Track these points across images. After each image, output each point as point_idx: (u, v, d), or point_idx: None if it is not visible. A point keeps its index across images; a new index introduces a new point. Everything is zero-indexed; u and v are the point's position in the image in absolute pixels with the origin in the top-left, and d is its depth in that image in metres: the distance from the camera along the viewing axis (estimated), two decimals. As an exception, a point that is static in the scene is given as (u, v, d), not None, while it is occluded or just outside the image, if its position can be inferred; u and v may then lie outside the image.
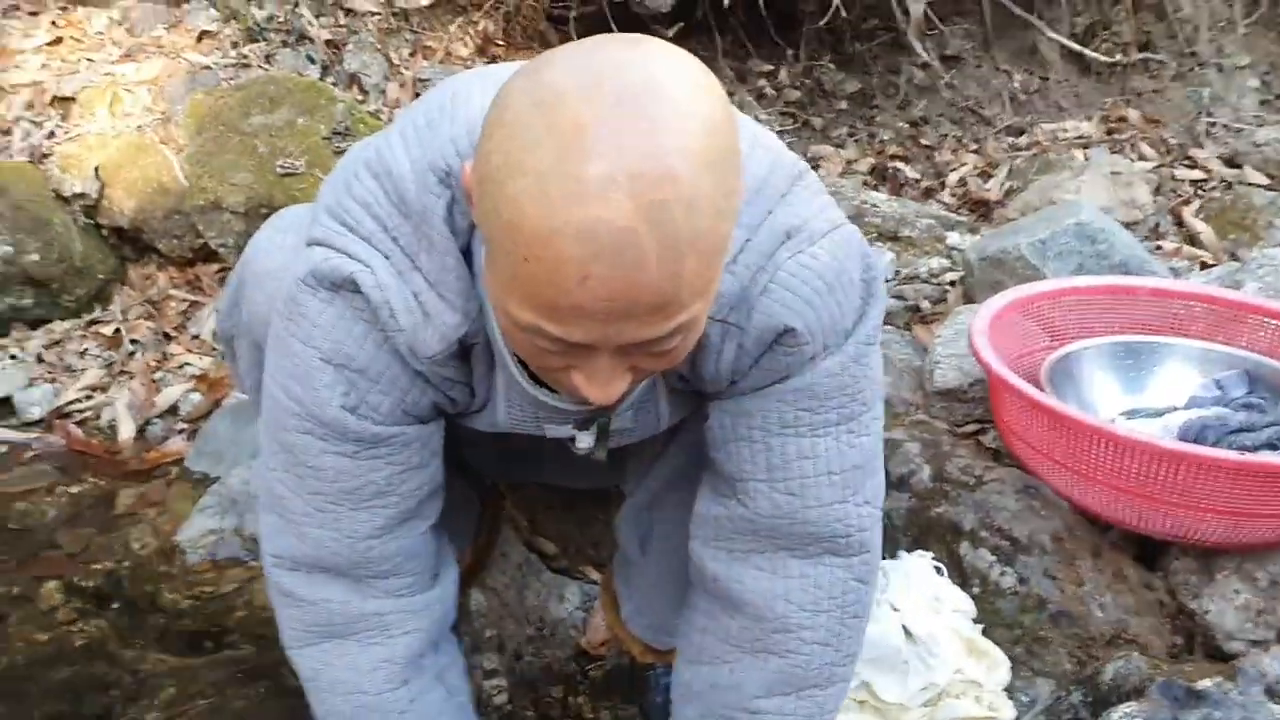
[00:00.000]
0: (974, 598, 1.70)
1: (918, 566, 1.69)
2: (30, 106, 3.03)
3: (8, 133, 2.94)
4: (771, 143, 1.16)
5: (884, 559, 1.72)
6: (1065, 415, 1.72)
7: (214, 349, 2.72)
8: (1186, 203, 3.27)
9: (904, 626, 1.59)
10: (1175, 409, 2.01)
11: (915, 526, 1.82)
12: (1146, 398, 2.08)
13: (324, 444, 1.18)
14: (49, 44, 3.29)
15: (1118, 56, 3.90)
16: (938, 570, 1.70)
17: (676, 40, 3.90)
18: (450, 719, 1.37)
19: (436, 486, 1.30)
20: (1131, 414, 2.03)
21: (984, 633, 1.66)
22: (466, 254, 1.09)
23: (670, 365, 1.02)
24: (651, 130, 0.85)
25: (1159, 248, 2.97)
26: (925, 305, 2.54)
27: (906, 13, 3.66)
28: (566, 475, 1.73)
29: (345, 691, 1.32)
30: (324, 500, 1.22)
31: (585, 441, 1.26)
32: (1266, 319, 2.08)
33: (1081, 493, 1.77)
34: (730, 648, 1.32)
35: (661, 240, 0.85)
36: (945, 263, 2.72)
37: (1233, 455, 1.61)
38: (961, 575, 1.75)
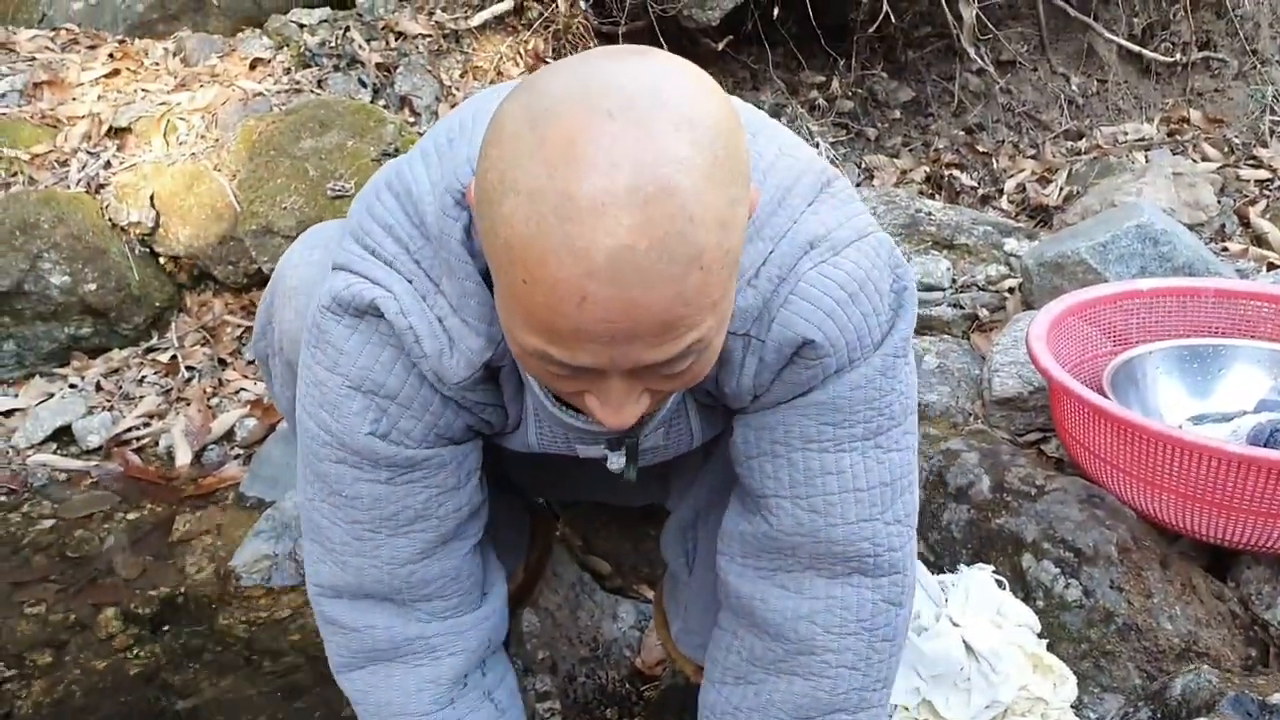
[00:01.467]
0: (1038, 611, 1.64)
1: (979, 580, 1.64)
2: (87, 138, 3.08)
3: (65, 164, 2.98)
4: (800, 151, 1.12)
5: (944, 573, 1.68)
6: (1131, 421, 1.67)
7: (268, 373, 2.74)
8: (1252, 203, 3.19)
9: (965, 642, 1.54)
10: (1244, 413, 1.95)
11: (975, 539, 1.77)
12: (1214, 402, 2.01)
13: (358, 472, 1.17)
14: (106, 76, 3.35)
15: (1177, 56, 3.82)
16: (999, 584, 1.65)
17: (726, 53, 3.89)
18: None
19: (476, 507, 1.28)
20: (1199, 419, 1.97)
21: (1049, 648, 1.61)
22: (487, 275, 1.05)
23: (686, 386, 0.98)
24: (647, 141, 0.81)
25: (1225, 249, 2.90)
26: (983, 313, 2.49)
27: (959, 18, 3.61)
28: (613, 493, 1.71)
29: (392, 714, 1.31)
30: (362, 529, 1.21)
31: (616, 462, 1.23)
32: (1338, 318, 2.01)
33: (1148, 501, 1.71)
34: (755, 668, 1.28)
35: (662, 257, 0.82)
36: (1003, 270, 2.66)
37: (1305, 459, 1.55)
38: (1025, 588, 1.70)
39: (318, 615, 1.32)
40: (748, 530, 1.24)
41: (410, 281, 1.08)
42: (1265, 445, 1.78)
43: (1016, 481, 1.80)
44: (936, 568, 1.76)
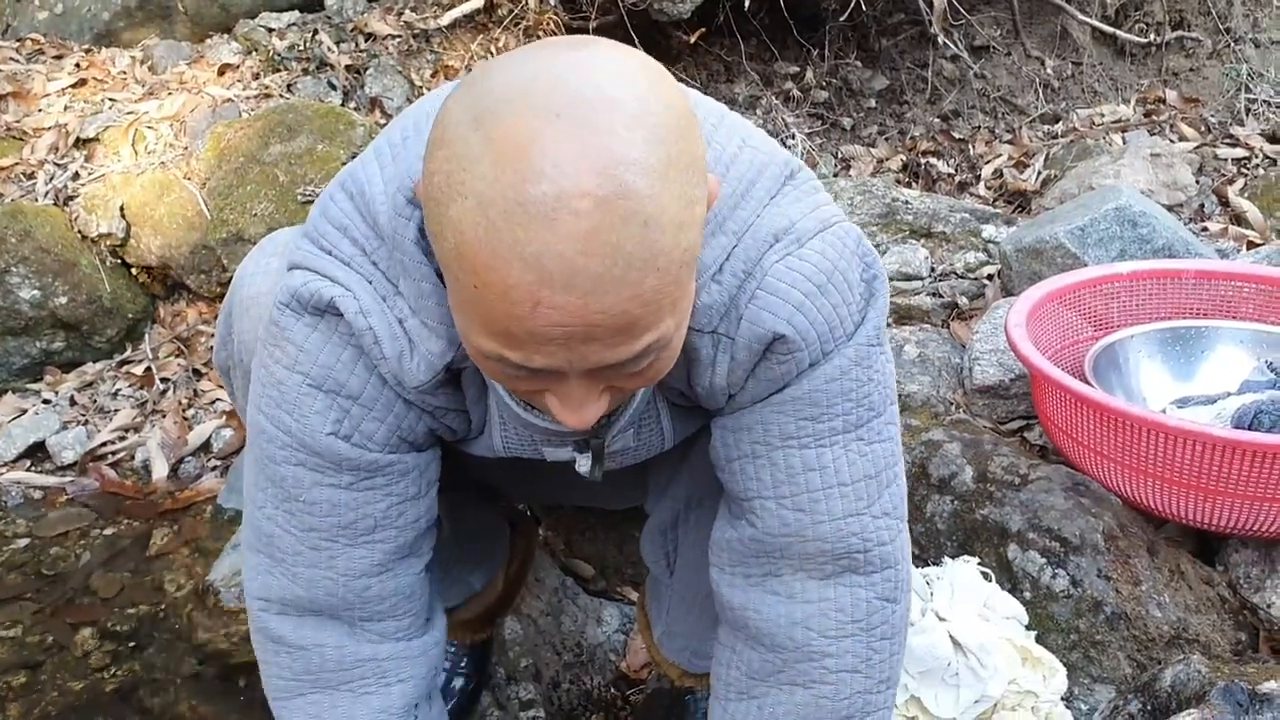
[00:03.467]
0: (1025, 603, 1.62)
1: (964, 573, 1.62)
2: (54, 149, 3.04)
3: (32, 176, 2.95)
4: (761, 143, 1.10)
5: (929, 566, 1.66)
6: (1113, 408, 1.65)
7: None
8: (1230, 181, 3.18)
9: (952, 637, 1.52)
10: (1228, 394, 1.93)
11: (960, 531, 1.75)
12: (1197, 385, 2.00)
13: (318, 475, 1.12)
14: (72, 86, 3.31)
15: (1151, 37, 3.81)
16: (985, 576, 1.63)
17: (699, 45, 3.86)
18: None
19: (433, 520, 1.24)
20: (1183, 402, 1.95)
21: (1038, 639, 1.59)
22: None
23: (648, 384, 0.96)
24: (597, 142, 0.78)
25: (1205, 229, 2.89)
26: (963, 301, 2.47)
27: (931, 4, 3.59)
28: (590, 497, 1.68)
29: None
30: (319, 537, 1.16)
31: (584, 465, 1.19)
32: (1320, 296, 2.00)
33: (1134, 487, 1.69)
34: (755, 682, 1.25)
35: (617, 261, 0.79)
36: (982, 257, 2.64)
37: (1290, 441, 1.54)
38: (1011, 580, 1.68)
39: (258, 634, 1.24)
40: (734, 537, 1.21)
41: (370, 282, 1.05)
42: (1249, 427, 1.77)
43: (1000, 471, 1.78)
44: (921, 561, 1.74)
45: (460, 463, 1.28)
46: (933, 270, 2.62)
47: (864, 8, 3.41)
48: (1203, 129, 3.59)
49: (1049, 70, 3.88)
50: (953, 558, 1.68)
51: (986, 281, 2.53)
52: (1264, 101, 3.72)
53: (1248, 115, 3.67)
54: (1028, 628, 1.60)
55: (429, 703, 1.32)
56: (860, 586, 1.19)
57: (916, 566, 1.63)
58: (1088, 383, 1.81)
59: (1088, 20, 3.79)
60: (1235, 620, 1.65)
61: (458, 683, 1.74)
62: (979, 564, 1.64)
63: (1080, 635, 1.61)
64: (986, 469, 1.79)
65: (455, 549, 1.65)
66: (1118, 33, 3.80)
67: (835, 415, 1.12)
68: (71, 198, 2.91)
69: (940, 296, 2.50)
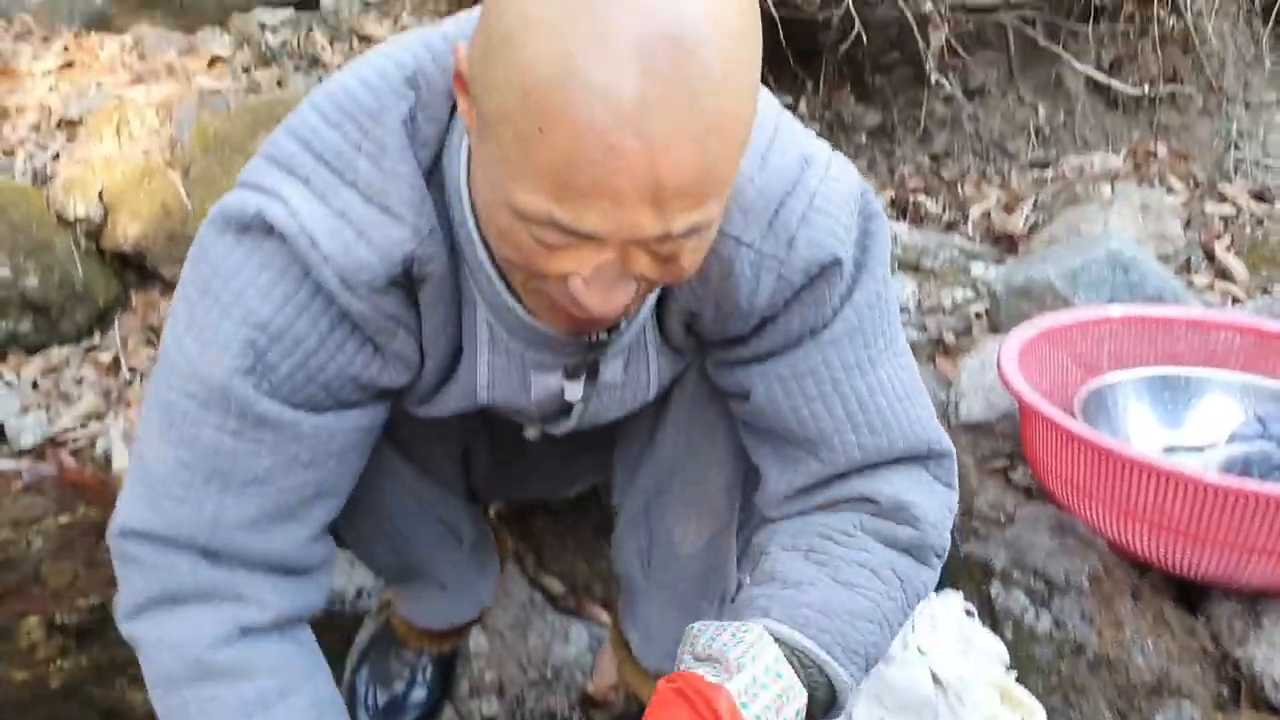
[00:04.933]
0: (1007, 642, 1.59)
1: (947, 608, 1.58)
2: (36, 129, 2.98)
3: (11, 154, 2.89)
4: None
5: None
6: (1104, 447, 1.63)
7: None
8: (1218, 237, 3.19)
9: (932, 672, 1.49)
10: (1216, 444, 1.91)
11: (944, 566, 1.71)
12: (1186, 433, 1.98)
13: (204, 412, 1.04)
14: (60, 67, 3.25)
15: (1145, 90, 3.82)
16: (968, 613, 1.59)
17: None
18: (305, 675, 1.18)
19: (327, 489, 1.14)
20: (1171, 450, 1.93)
21: (1018, 679, 1.55)
22: (428, 171, 0.99)
23: (674, 280, 0.92)
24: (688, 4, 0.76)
25: (1191, 282, 2.88)
26: (949, 337, 2.45)
27: (928, 43, 3.59)
28: (552, 479, 1.65)
29: (176, 645, 1.11)
30: (190, 475, 1.06)
31: (574, 393, 1.16)
32: (1311, 351, 1.98)
33: (1120, 530, 1.67)
34: (835, 527, 1.19)
35: (692, 114, 0.77)
36: (969, 294, 2.63)
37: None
38: (993, 618, 1.64)
39: (116, 556, 1.13)
40: (799, 480, 1.19)
41: (306, 181, 0.98)
42: (1239, 478, 1.75)
43: (986, 508, 1.75)
44: (902, 594, 1.70)
45: (427, 453, 1.22)
46: (920, 304, 2.60)
47: (864, 40, 3.40)
48: (1191, 184, 3.60)
49: (1041, 116, 3.88)
50: (936, 592, 1.64)
51: (974, 318, 2.52)
52: (1252, 161, 3.74)
53: (1236, 173, 3.68)
54: (1008, 667, 1.56)
55: (294, 628, 1.19)
56: (926, 469, 1.21)
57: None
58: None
59: (1083, 69, 3.79)
60: (1217, 672, 1.63)
61: (418, 694, 1.69)
62: (962, 600, 1.61)
63: (1061, 678, 1.58)
64: (972, 505, 1.76)
65: (466, 564, 1.61)
66: (1112, 83, 3.80)
67: (879, 335, 1.14)
68: (50, 178, 2.85)
69: (926, 331, 2.48)
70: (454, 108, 1.00)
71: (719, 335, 1.15)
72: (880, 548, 1.17)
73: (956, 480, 1.25)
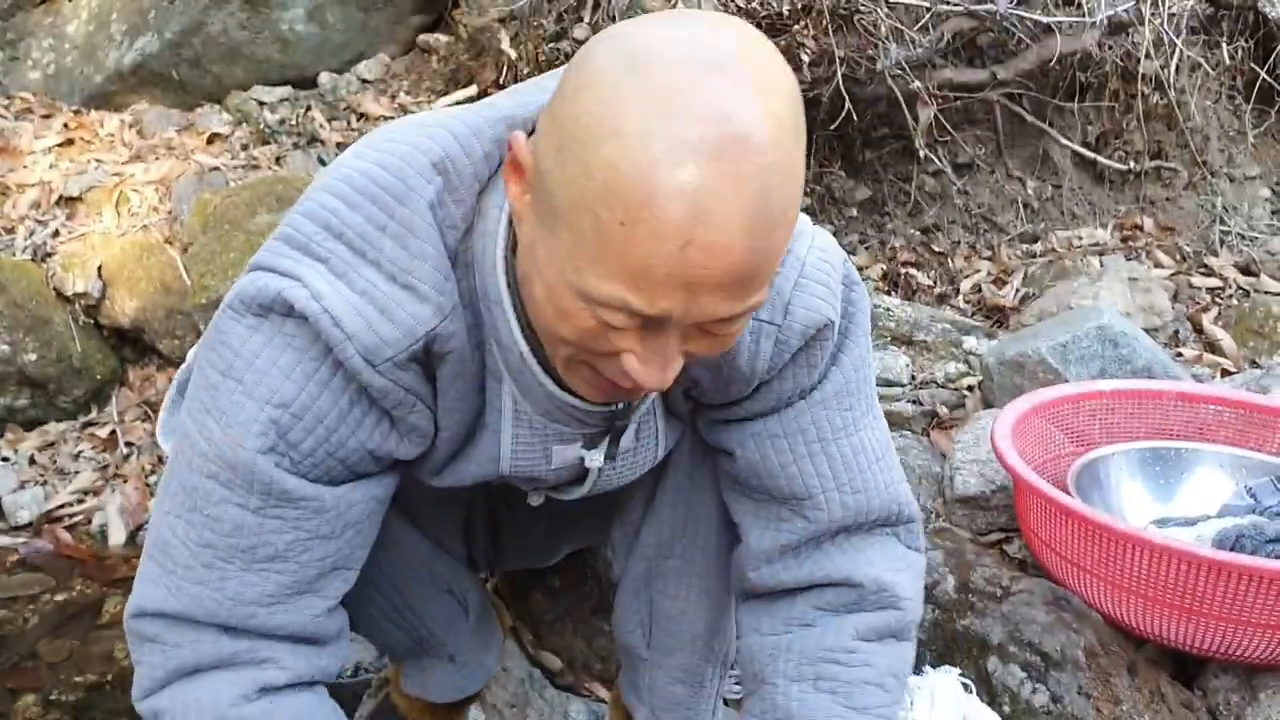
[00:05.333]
0: (1004, 717, 1.59)
1: (944, 684, 1.59)
2: (36, 206, 3.02)
3: (12, 231, 2.92)
4: None
5: (910, 676, 1.63)
6: (1098, 521, 1.64)
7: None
8: (1205, 310, 3.23)
9: (931, 748, 1.49)
10: (1208, 517, 1.93)
11: (940, 640, 1.72)
12: (1177, 506, 1.99)
13: (227, 491, 1.06)
14: (60, 145, 3.30)
15: (1130, 164, 3.89)
16: (965, 688, 1.60)
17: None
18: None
19: (345, 563, 1.16)
20: (1163, 523, 1.94)
21: (1016, 756, 1.56)
22: (453, 254, 1.04)
23: (717, 352, 0.99)
24: (748, 98, 0.83)
25: (1179, 355, 2.92)
26: (943, 410, 2.47)
27: (916, 120, 3.65)
28: (546, 542, 1.68)
29: (199, 707, 1.12)
30: (214, 555, 1.08)
31: (595, 460, 1.20)
32: (1299, 424, 2.01)
33: (1115, 604, 1.68)
34: (822, 612, 1.27)
35: (761, 209, 0.84)
36: (962, 367, 2.65)
37: (1275, 564, 1.53)
38: (990, 693, 1.64)
39: (133, 636, 1.14)
40: (787, 539, 1.26)
41: (325, 261, 1.01)
42: (1231, 551, 1.76)
43: (982, 582, 1.76)
44: (899, 669, 1.71)
45: (435, 524, 1.24)
46: (913, 378, 2.62)
47: (853, 117, 3.46)
48: (1178, 257, 3.65)
49: (1029, 191, 3.94)
50: (934, 667, 1.64)
51: (967, 392, 2.54)
52: (1237, 234, 3.79)
53: (1222, 246, 3.73)
54: (1007, 743, 1.56)
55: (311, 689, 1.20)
56: (898, 538, 1.29)
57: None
58: (1071, 497, 1.80)
59: (1069, 144, 3.86)
60: (1215, 747, 1.63)
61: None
62: (959, 675, 1.61)
63: (1060, 754, 1.58)
64: (968, 579, 1.77)
65: (473, 634, 1.62)
66: (1098, 158, 3.87)
67: (862, 398, 1.23)
68: (50, 255, 2.88)
69: (920, 404, 2.50)
70: (480, 192, 1.04)
71: (719, 400, 1.21)
72: (879, 652, 1.25)
73: (923, 541, 1.32)
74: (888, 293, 3.55)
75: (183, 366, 1.36)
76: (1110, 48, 3.71)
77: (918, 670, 1.66)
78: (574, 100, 0.86)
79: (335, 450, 1.07)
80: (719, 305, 0.88)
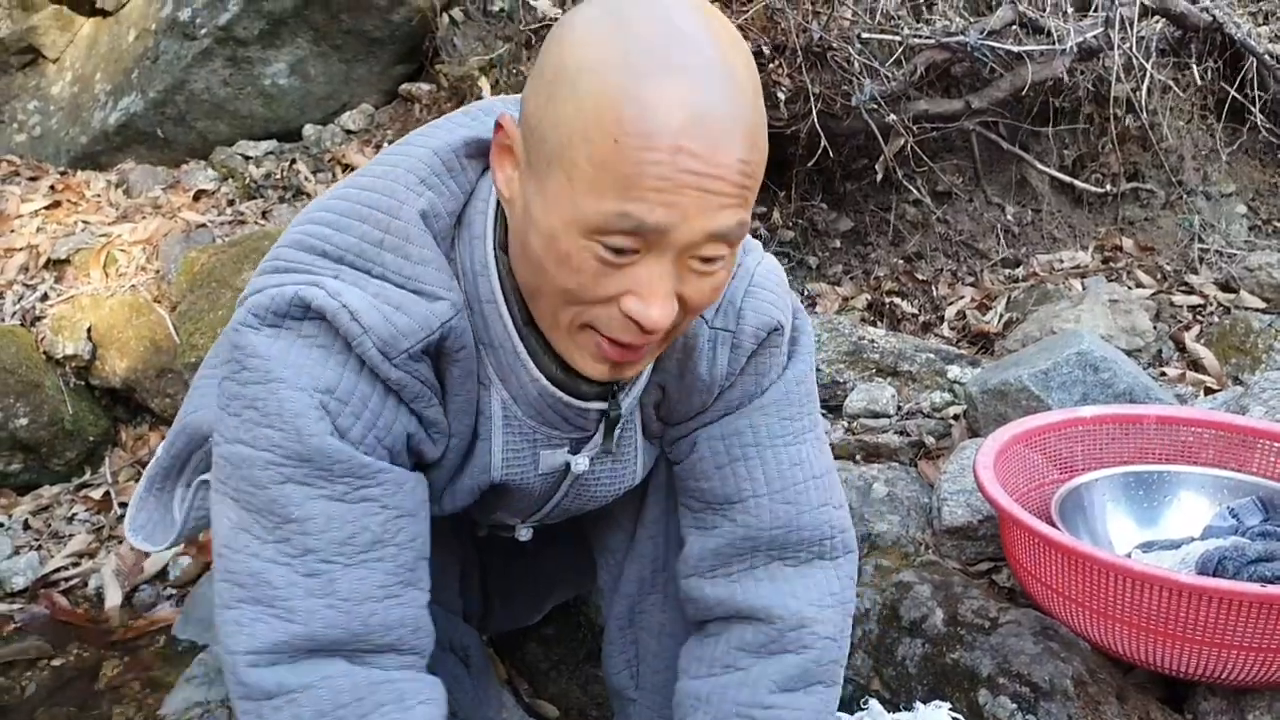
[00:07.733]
0: (996, 749, 1.61)
1: (935, 719, 1.60)
2: (25, 270, 3.04)
3: (0, 296, 2.93)
4: None
5: (901, 711, 1.64)
6: (1080, 551, 1.66)
7: (205, 509, 2.66)
8: (1187, 328, 3.25)
9: (924, 784, 1.50)
10: (1192, 540, 1.95)
11: (930, 674, 1.74)
12: (1162, 529, 2.01)
13: (308, 488, 1.05)
14: (46, 208, 3.32)
15: (1107, 187, 3.93)
16: (956, 721, 1.61)
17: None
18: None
19: (427, 552, 1.18)
20: (1148, 546, 1.96)
21: (1009, 787, 1.57)
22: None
23: (712, 300, 1.05)
24: (721, 28, 0.97)
25: (1163, 374, 2.94)
26: (929, 440, 2.49)
27: (894, 151, 3.69)
28: (535, 589, 1.73)
29: None
30: (316, 559, 1.06)
31: (582, 464, 1.26)
32: (1276, 444, 2.03)
33: (1101, 632, 1.69)
34: (743, 653, 1.31)
35: (738, 123, 0.95)
36: (948, 397, 2.67)
37: (1255, 588, 1.55)
38: (982, 725, 1.66)
39: (247, 701, 1.07)
40: (719, 543, 1.31)
41: (335, 276, 1.06)
42: (1214, 573, 1.78)
43: (970, 614, 1.78)
44: (893, 705, 1.72)
45: (436, 579, 1.27)
46: (899, 409, 2.65)
47: (830, 154, 3.50)
48: (1159, 276, 3.68)
49: (1009, 216, 3.98)
50: (924, 702, 1.66)
51: (953, 421, 2.56)
52: (1216, 251, 3.83)
53: (1201, 264, 3.77)
54: (999, 775, 1.58)
55: None
56: (831, 568, 1.34)
57: (888, 711, 1.61)
58: (1055, 525, 1.82)
59: (1046, 170, 3.91)
60: (1206, 770, 1.64)
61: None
62: (950, 709, 1.63)
63: (1052, 784, 1.59)
64: (957, 612, 1.79)
65: (475, 689, 1.63)
66: (1075, 182, 3.91)
67: (803, 415, 1.31)
68: (39, 318, 2.90)
69: (907, 435, 2.52)
70: (464, 204, 1.12)
71: (682, 414, 1.29)
72: (795, 704, 1.28)
73: (855, 579, 1.38)
74: (873, 323, 3.58)
75: (152, 461, 1.39)
76: (1081, 73, 3.77)
77: (909, 705, 1.67)
78: (554, 52, 0.96)
79: (383, 436, 1.10)
80: (713, 217, 0.96)
